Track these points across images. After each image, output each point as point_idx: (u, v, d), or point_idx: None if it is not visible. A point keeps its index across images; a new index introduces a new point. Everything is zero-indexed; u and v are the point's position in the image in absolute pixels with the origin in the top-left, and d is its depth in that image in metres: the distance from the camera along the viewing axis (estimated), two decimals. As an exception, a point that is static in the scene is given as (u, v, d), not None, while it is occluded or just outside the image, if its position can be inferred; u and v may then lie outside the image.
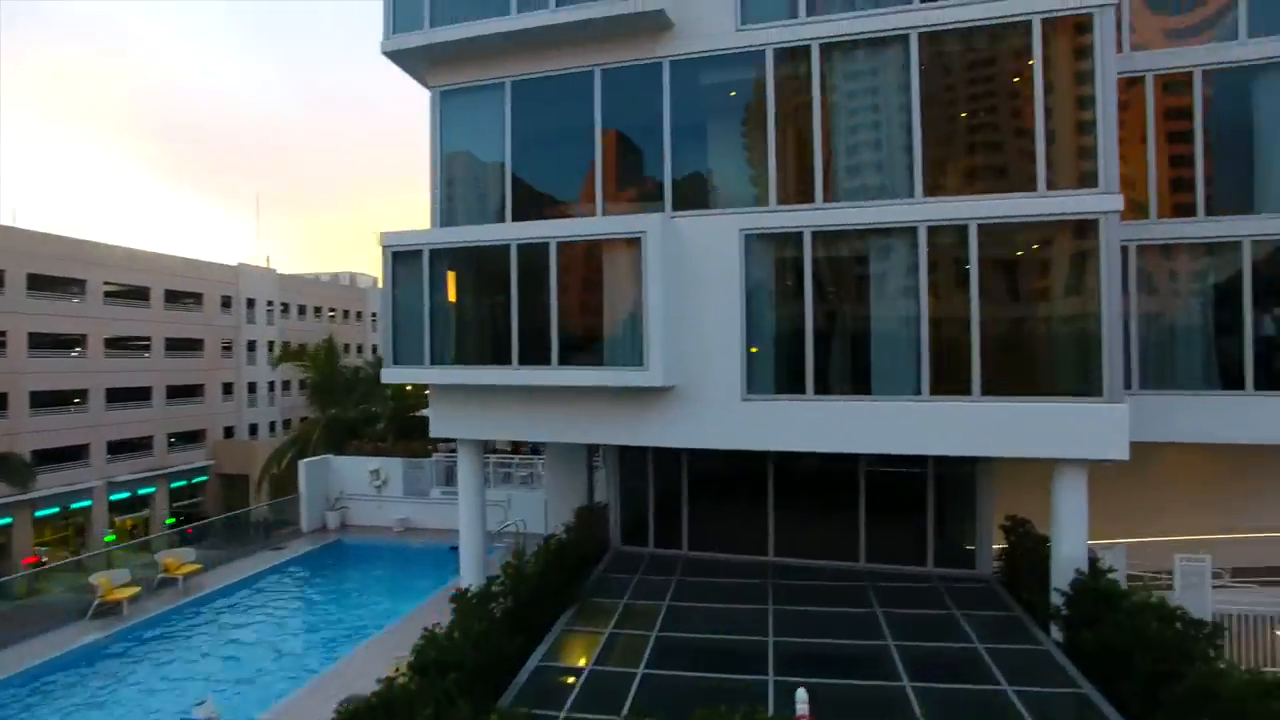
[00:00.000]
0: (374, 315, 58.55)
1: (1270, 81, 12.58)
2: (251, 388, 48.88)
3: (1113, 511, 12.85)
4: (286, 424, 49.91)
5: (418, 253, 13.04)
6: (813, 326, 11.58)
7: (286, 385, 51.22)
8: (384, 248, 13.33)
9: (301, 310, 52.00)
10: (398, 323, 13.20)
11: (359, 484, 22.16)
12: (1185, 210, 12.89)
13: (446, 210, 13.67)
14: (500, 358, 12.54)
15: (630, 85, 12.68)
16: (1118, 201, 10.51)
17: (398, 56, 13.48)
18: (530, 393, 12.70)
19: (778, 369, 11.89)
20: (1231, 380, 12.82)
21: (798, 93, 11.82)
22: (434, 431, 13.90)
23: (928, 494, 14.38)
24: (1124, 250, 12.66)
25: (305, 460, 22.03)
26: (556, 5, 12.40)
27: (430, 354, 12.97)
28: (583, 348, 12.18)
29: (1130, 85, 13.03)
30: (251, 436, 47.58)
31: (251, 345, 48.85)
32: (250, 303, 48.96)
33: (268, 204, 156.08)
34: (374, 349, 58.51)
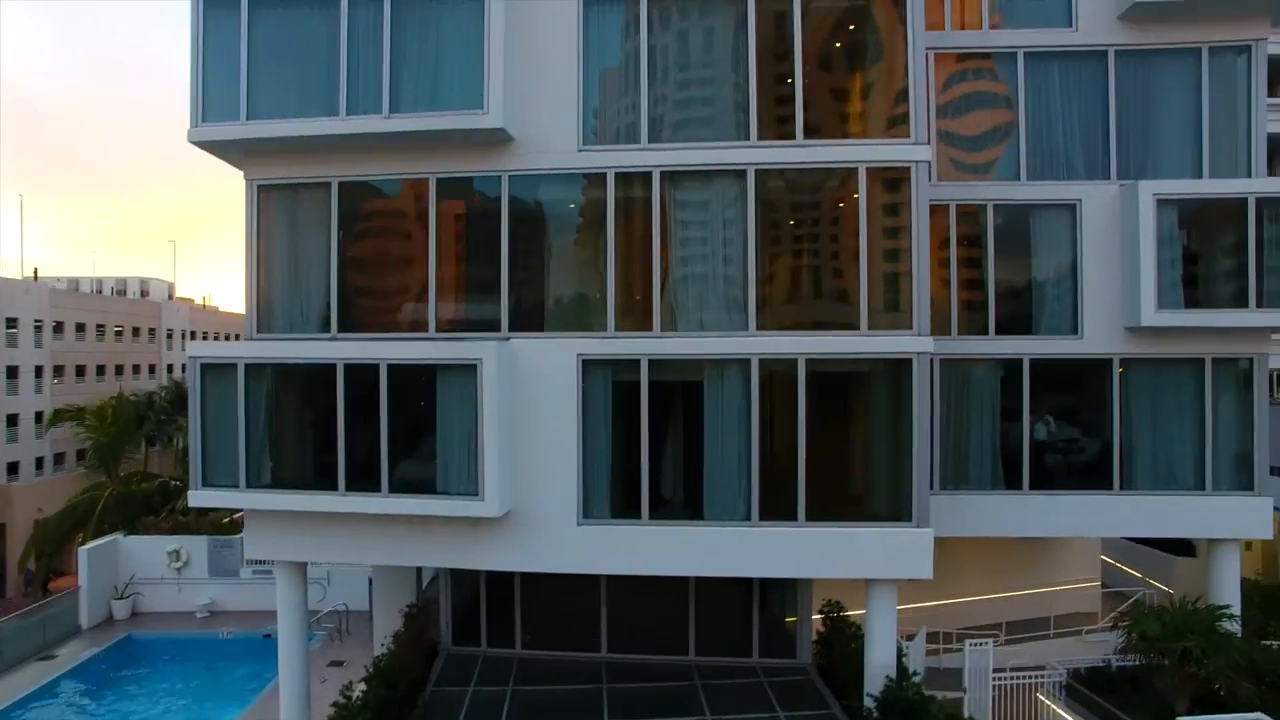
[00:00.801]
0: (169, 332, 53.34)
1: (1045, 220, 14.17)
2: (12, 420, 43.02)
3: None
4: (60, 460, 44.44)
5: (231, 366, 11.99)
6: (649, 452, 11.77)
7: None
8: (192, 358, 12.16)
9: (80, 329, 46.40)
10: (208, 441, 12.10)
11: (155, 566, 20.08)
12: (980, 328, 14.26)
13: (264, 312, 12.65)
14: (326, 482, 11.79)
15: (467, 197, 12.32)
16: (928, 343, 11.46)
17: (209, 147, 12.30)
18: (359, 517, 12.03)
19: (614, 493, 11.99)
20: (1012, 480, 14.39)
21: (638, 217, 11.95)
22: (250, 553, 12.86)
23: (752, 584, 15.07)
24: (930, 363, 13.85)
25: (88, 548, 19.57)
26: (389, 112, 11.75)
27: (245, 476, 11.98)
28: (415, 474, 11.70)
29: (934, 212, 14.22)
30: (10, 478, 41.85)
31: (12, 372, 43.01)
32: (10, 322, 43.16)
33: (38, 193, 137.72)
34: (170, 369, 53.33)
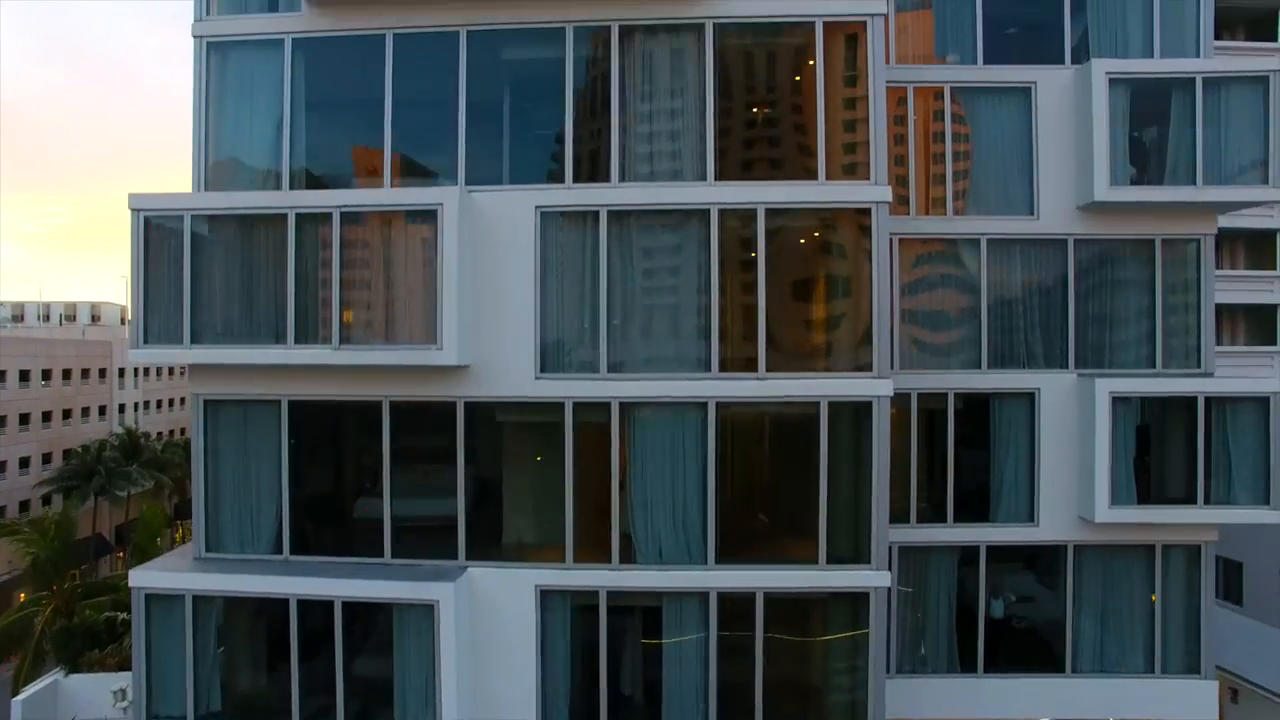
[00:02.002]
0: (121, 371, 51.87)
1: (1005, 409, 14.28)
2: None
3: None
4: None
5: (177, 218, 11.48)
6: (607, 679, 11.70)
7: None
8: (134, 211, 11.50)
9: (24, 376, 44.93)
10: (151, 299, 11.54)
11: (99, 706, 19.51)
12: (940, 515, 14.36)
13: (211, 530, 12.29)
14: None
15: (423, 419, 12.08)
16: (885, 578, 11.52)
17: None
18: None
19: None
20: (968, 663, 14.56)
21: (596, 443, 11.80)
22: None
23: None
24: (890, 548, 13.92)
25: (23, 698, 18.69)
26: (339, 344, 11.41)
27: (190, 332, 11.45)
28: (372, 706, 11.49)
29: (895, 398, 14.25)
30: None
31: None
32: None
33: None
34: (122, 408, 51.98)
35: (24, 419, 44.74)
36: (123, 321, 68.09)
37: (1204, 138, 13.59)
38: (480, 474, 12.09)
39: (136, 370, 53.28)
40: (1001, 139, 14.25)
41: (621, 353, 11.72)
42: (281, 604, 11.45)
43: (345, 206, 11.31)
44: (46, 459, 46.00)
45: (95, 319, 67.19)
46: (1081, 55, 14.24)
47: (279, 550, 12.10)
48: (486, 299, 11.68)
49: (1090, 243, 14.15)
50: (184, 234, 11.50)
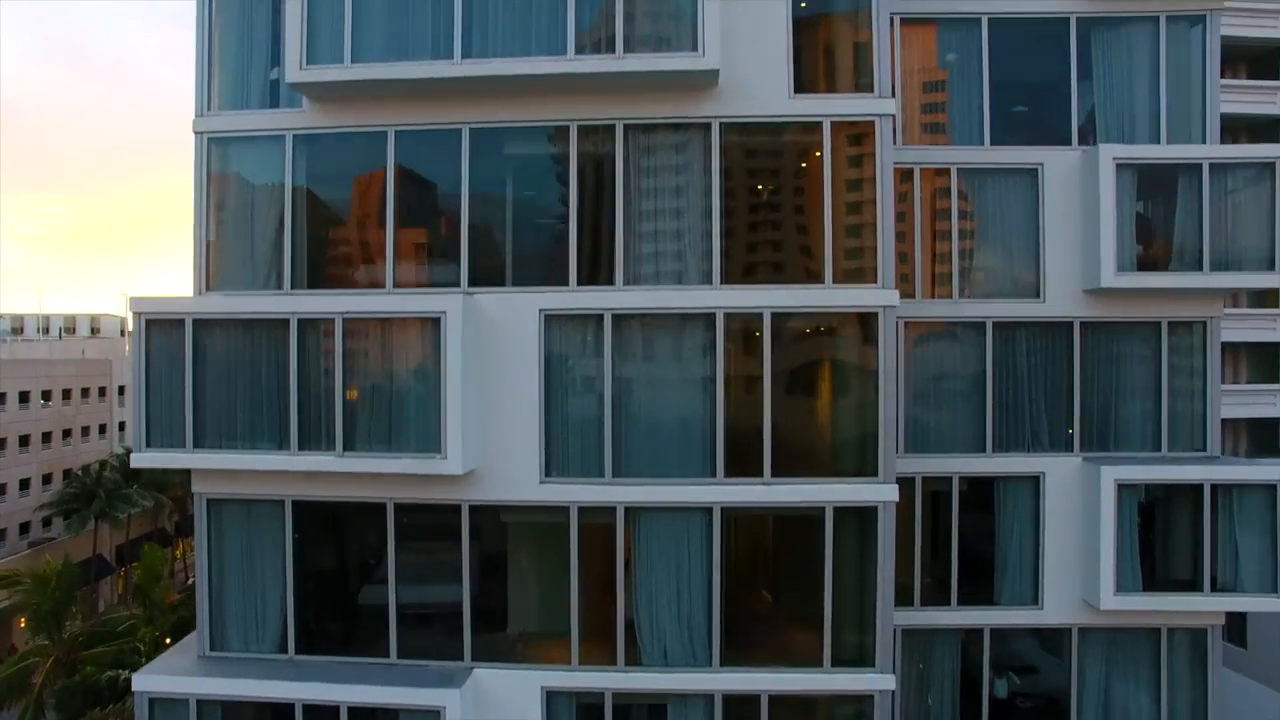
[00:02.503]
0: (121, 389, 51.75)
1: (1010, 492, 14.24)
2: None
3: None
4: None
5: (179, 321, 11.42)
6: (615, 784, 11.69)
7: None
8: (135, 314, 11.52)
9: (24, 397, 44.85)
10: (152, 402, 11.51)
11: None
12: (944, 597, 14.33)
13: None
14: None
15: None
16: (890, 681, 11.50)
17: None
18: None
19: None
20: (972, 745, 14.55)
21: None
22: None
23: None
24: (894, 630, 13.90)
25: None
26: (342, 451, 11.36)
27: (193, 436, 11.42)
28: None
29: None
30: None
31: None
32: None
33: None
34: (122, 426, 51.88)
35: (24, 440, 44.71)
36: (122, 333, 68.07)
37: (1210, 222, 13.53)
38: (485, 573, 12.06)
39: (136, 387, 53.10)
40: (1007, 220, 14.18)
41: (627, 456, 11.66)
42: (287, 709, 11.42)
43: (348, 313, 11.23)
44: (47, 479, 45.99)
45: (95, 331, 67.05)
46: (1089, 133, 14.16)
47: (284, 649, 12.07)
48: (491, 402, 11.62)
49: (1096, 325, 14.07)
50: (185, 337, 11.43)
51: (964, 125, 14.27)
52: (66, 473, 46.73)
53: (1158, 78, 14.04)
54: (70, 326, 67.60)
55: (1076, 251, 13.88)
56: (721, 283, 11.54)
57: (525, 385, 11.60)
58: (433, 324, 11.11)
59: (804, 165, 11.84)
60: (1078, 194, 13.91)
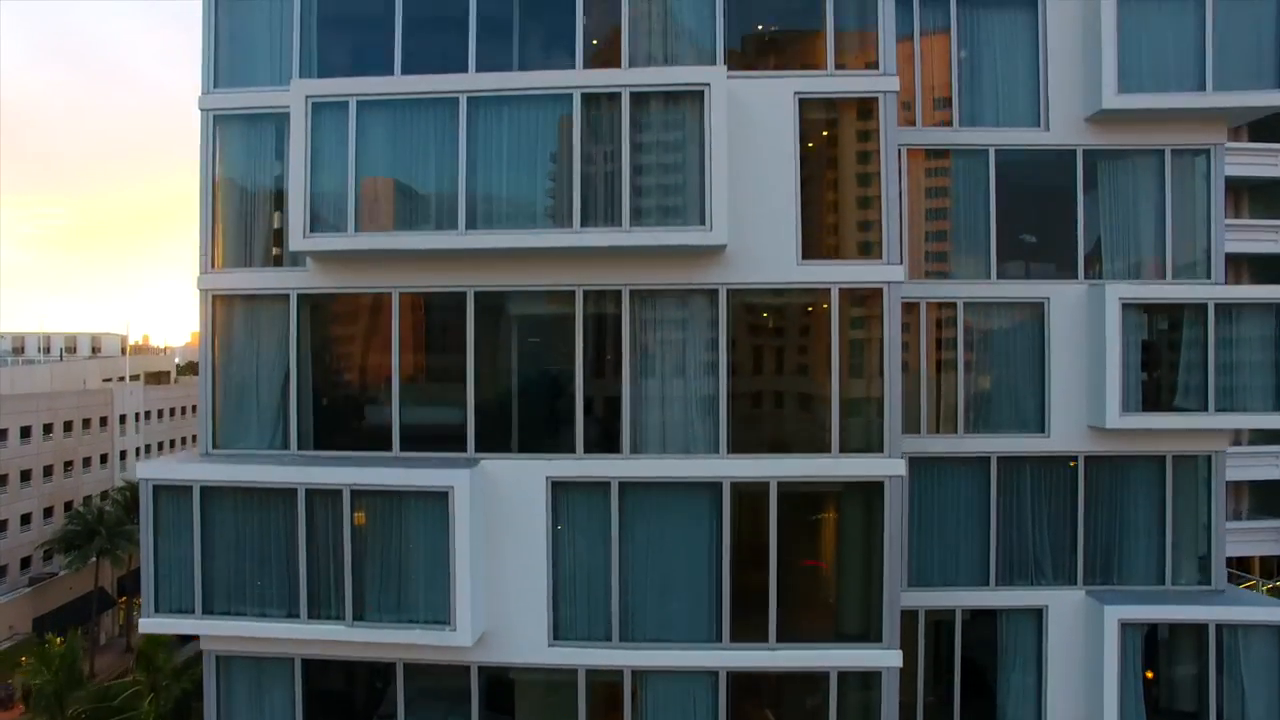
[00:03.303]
0: (122, 418, 51.75)
1: (1012, 624, 14.28)
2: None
3: None
4: None
5: (186, 489, 11.43)
6: None
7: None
8: (143, 480, 11.63)
9: (25, 432, 44.80)
10: (161, 568, 11.57)
11: None
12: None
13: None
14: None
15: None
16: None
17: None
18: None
19: None
20: None
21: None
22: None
23: None
24: None
25: None
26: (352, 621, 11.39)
27: (202, 601, 11.45)
28: None
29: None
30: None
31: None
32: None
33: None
34: (123, 456, 51.90)
35: (25, 475, 44.68)
36: (123, 351, 68.04)
37: (1216, 361, 13.52)
38: (494, 728, 12.10)
39: (138, 415, 53.22)
40: (1013, 354, 14.17)
41: (634, 620, 11.70)
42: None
43: (356, 485, 11.25)
44: (48, 512, 46.01)
45: (95, 350, 67.02)
46: (1096, 259, 14.17)
47: (293, 807, 12.12)
48: (499, 566, 11.65)
49: (1101, 459, 14.08)
50: (193, 504, 11.45)
51: (970, 255, 14.25)
52: (68, 505, 46.79)
53: (1163, 211, 14.02)
54: (71, 346, 67.51)
55: (1082, 386, 13.86)
56: (730, 451, 11.54)
57: (534, 550, 11.64)
58: (441, 497, 11.12)
59: (813, 330, 11.82)
60: (1084, 327, 13.89)
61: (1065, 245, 14.25)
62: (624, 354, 11.63)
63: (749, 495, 11.57)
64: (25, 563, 44.38)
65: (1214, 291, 13.58)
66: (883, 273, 11.56)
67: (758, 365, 11.95)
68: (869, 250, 11.80)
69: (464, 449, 11.74)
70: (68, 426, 47.68)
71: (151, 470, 11.61)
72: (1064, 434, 13.97)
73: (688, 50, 11.68)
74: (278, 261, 12.12)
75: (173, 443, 57.28)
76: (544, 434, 11.89)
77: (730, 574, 11.55)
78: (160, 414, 55.71)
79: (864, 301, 11.83)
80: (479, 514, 11.37)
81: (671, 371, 11.71)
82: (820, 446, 11.63)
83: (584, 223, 11.04)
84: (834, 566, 12.09)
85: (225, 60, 12.20)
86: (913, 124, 13.98)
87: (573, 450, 11.65)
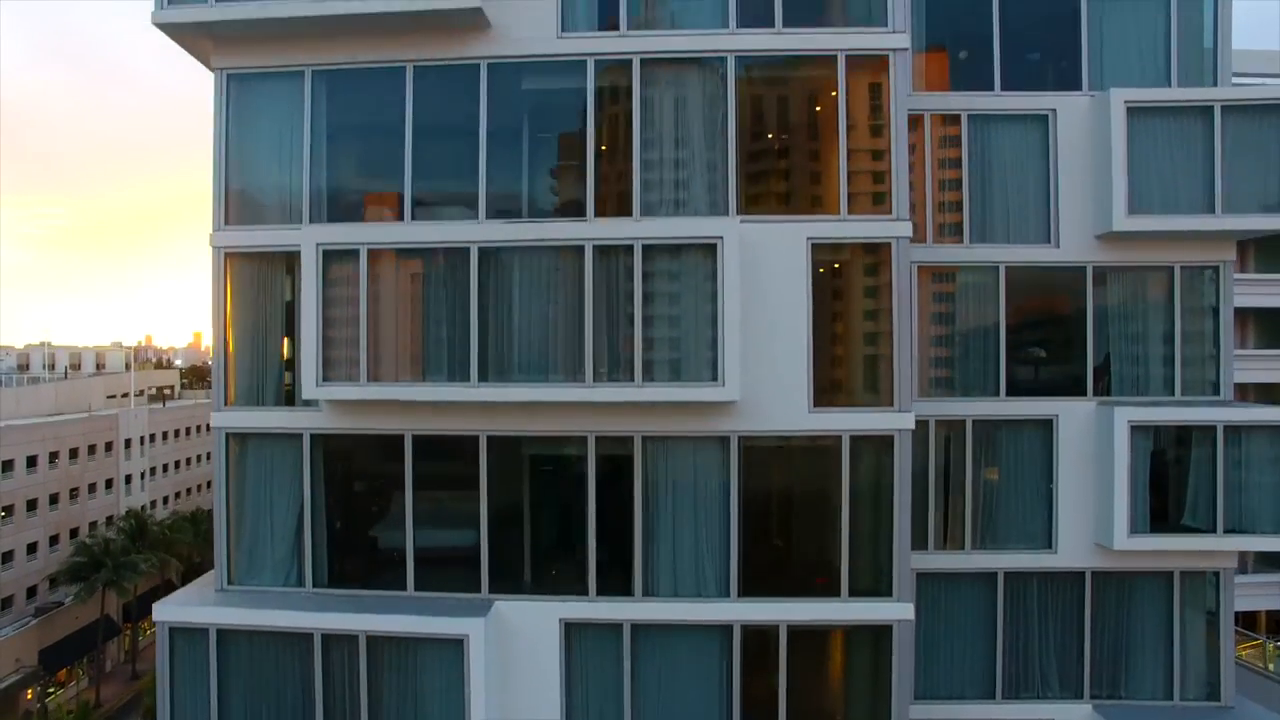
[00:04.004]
0: (127, 442, 51.90)
1: None
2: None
3: None
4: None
5: (202, 632, 11.58)
6: None
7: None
8: (159, 623, 11.95)
9: (31, 462, 44.92)
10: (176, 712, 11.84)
11: None
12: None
13: None
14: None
15: None
16: None
17: None
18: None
19: None
20: None
21: None
22: None
23: None
24: None
25: None
26: None
27: None
28: None
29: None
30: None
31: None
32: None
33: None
34: (128, 480, 52.10)
35: (31, 504, 44.84)
36: (127, 367, 68.18)
37: (1225, 481, 13.57)
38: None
39: (143, 439, 53.37)
40: (1021, 471, 14.23)
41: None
42: None
43: (371, 631, 11.34)
44: (54, 540, 46.22)
45: (100, 366, 67.15)
46: (1104, 372, 14.21)
47: None
48: (513, 705, 11.73)
49: (1108, 575, 14.15)
50: (209, 646, 11.55)
51: (978, 372, 14.30)
52: (74, 532, 47.04)
53: (1172, 326, 14.06)
54: (76, 363, 67.66)
55: (1089, 507, 13.93)
56: (740, 594, 11.62)
57: (547, 689, 11.73)
58: (456, 643, 11.21)
59: (826, 468, 11.86)
60: (1092, 445, 13.94)
61: (1074, 361, 14.30)
62: (635, 497, 11.69)
63: (758, 635, 11.63)
64: (31, 592, 44.63)
65: (1223, 414, 13.61)
66: (893, 420, 11.60)
67: (768, 509, 12.00)
68: (878, 395, 11.82)
69: (478, 588, 11.82)
70: (73, 453, 47.86)
71: (169, 613, 11.74)
72: (1071, 551, 14.04)
73: (700, 194, 11.69)
74: (290, 399, 12.14)
75: (177, 464, 57.49)
76: (557, 574, 11.99)
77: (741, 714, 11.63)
78: (165, 436, 55.82)
79: (877, 450, 11.86)
80: (494, 656, 11.47)
81: (684, 515, 11.77)
82: (830, 590, 11.69)
83: (596, 375, 11.09)
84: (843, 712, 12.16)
85: (235, 198, 12.23)
86: (923, 241, 13.99)
87: (585, 591, 11.73)
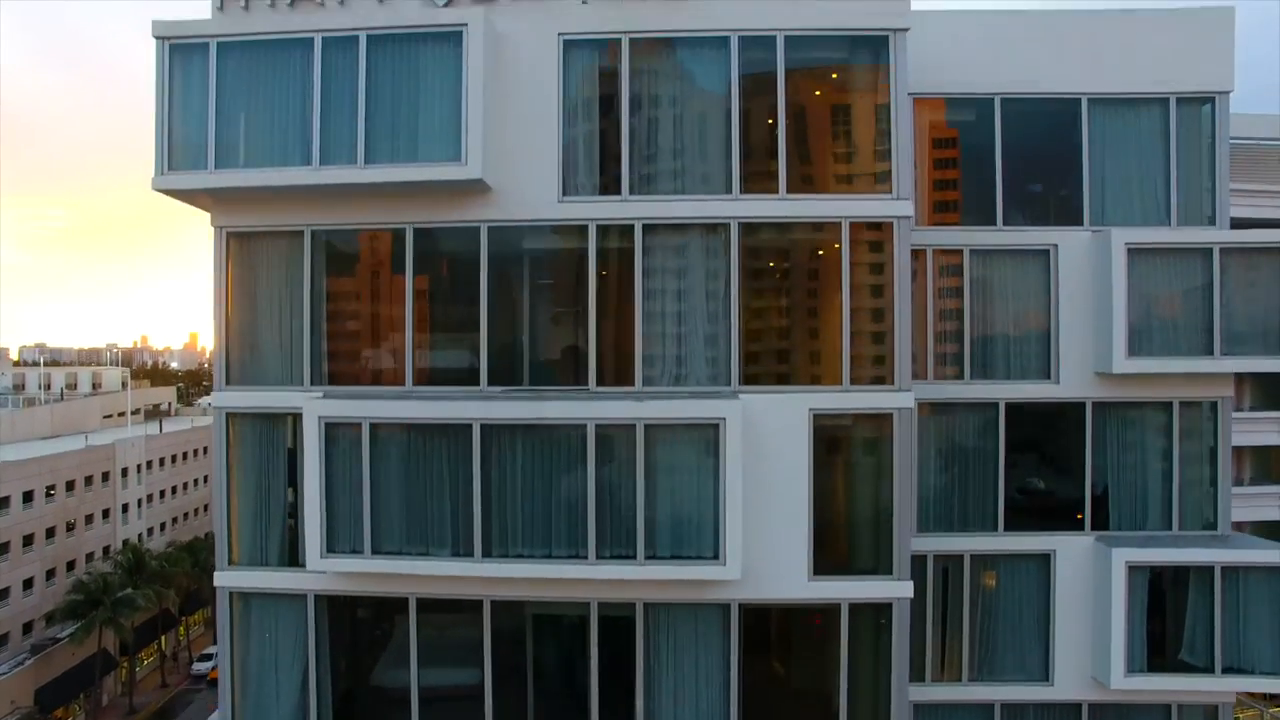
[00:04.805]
0: (125, 471, 51.82)
1: None
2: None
3: None
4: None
5: None
6: None
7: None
8: None
9: (28, 497, 44.78)
10: None
11: None
12: None
13: None
14: None
15: None
16: None
17: None
18: None
19: None
20: None
21: None
22: None
23: None
24: None
25: None
26: None
27: None
28: None
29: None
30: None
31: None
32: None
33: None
34: (125, 509, 52.06)
35: (27, 540, 44.77)
36: (124, 385, 68.01)
37: (1223, 621, 13.67)
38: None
39: (139, 467, 53.30)
40: (1020, 616, 14.31)
41: None
42: None
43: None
44: (50, 574, 46.18)
45: (96, 386, 66.97)
46: (1101, 512, 14.29)
47: None
48: None
49: (1104, 706, 14.25)
50: (212, 813, 11.60)
51: (976, 508, 14.37)
52: (70, 565, 47.06)
53: (1170, 463, 14.14)
54: (72, 383, 67.44)
55: (1088, 647, 14.03)
56: (743, 764, 11.70)
57: None
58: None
59: (823, 644, 11.93)
60: (1089, 582, 14.02)
61: (1072, 493, 14.37)
62: (637, 660, 11.74)
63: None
64: (27, 627, 44.58)
65: (1221, 555, 13.67)
66: (892, 589, 11.67)
67: (769, 679, 12.07)
68: (877, 560, 11.89)
69: (482, 753, 11.87)
70: (70, 485, 47.78)
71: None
72: (1068, 683, 14.15)
73: (702, 364, 11.71)
74: (295, 556, 12.14)
75: (174, 489, 57.49)
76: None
77: None
78: (162, 462, 55.79)
79: (876, 619, 11.93)
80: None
81: (686, 682, 11.82)
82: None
83: (599, 550, 11.13)
84: None
85: (236, 357, 12.21)
86: (924, 377, 14.02)
87: (588, 756, 11.79)
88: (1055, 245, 14.10)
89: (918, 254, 13.86)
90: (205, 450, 59.91)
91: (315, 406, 11.36)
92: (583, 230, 11.73)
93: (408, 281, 11.98)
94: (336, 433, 11.39)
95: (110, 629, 42.71)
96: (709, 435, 11.10)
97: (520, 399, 11.44)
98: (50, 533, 46.36)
